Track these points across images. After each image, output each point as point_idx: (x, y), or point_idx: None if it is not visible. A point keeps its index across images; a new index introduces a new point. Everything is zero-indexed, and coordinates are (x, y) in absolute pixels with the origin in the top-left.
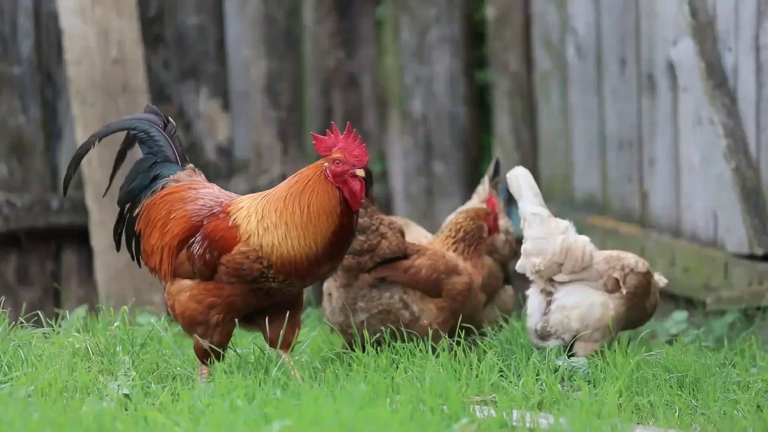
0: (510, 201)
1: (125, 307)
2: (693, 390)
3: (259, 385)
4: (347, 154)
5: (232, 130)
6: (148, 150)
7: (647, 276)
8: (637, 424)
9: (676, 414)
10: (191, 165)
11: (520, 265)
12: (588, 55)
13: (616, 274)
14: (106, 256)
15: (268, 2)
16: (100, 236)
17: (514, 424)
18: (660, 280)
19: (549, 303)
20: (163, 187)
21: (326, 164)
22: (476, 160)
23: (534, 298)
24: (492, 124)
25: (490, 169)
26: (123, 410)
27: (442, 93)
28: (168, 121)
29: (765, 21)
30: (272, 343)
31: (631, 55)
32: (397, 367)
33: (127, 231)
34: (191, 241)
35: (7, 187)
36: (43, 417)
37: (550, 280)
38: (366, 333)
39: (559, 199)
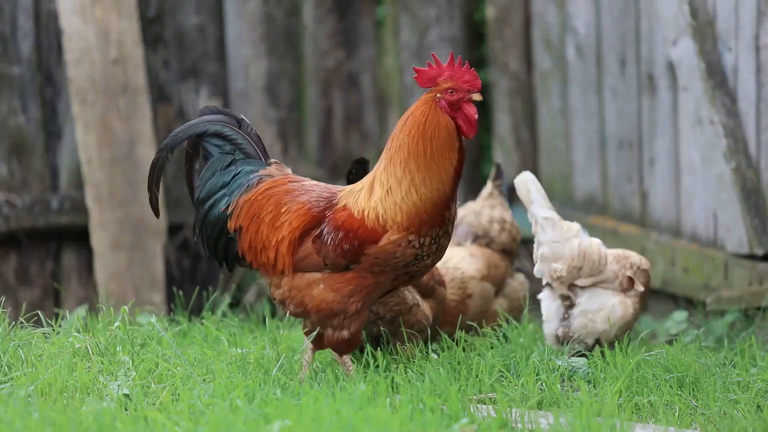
0: (511, 202)
1: (125, 307)
2: (693, 390)
3: (259, 385)
4: (459, 81)
5: None
6: (221, 150)
7: (649, 273)
8: (637, 423)
9: (676, 414)
10: (275, 160)
11: (538, 271)
12: (588, 55)
13: (629, 273)
14: (106, 256)
15: (268, 2)
16: (100, 236)
17: (514, 424)
18: None
19: (568, 308)
20: (258, 182)
21: (438, 95)
22: (476, 160)
23: (550, 303)
24: (492, 124)
25: (492, 172)
26: (123, 410)
27: None
28: (242, 119)
29: (765, 21)
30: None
31: (631, 55)
32: (397, 366)
33: (206, 229)
34: (316, 232)
35: (7, 187)
36: (43, 417)
37: (570, 285)
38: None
39: (559, 199)
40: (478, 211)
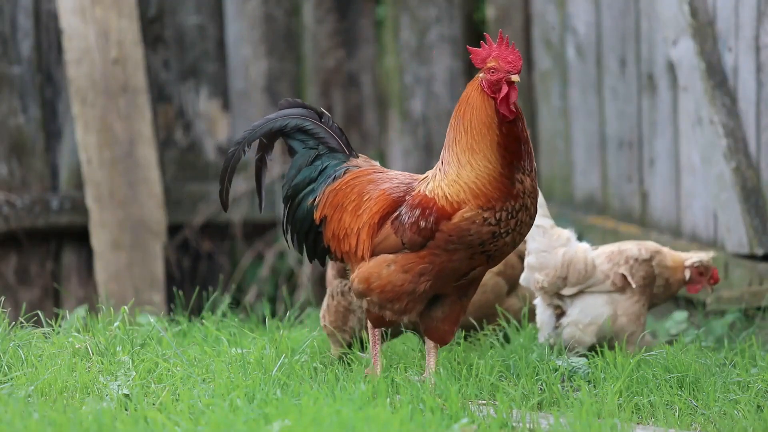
0: None
1: (125, 307)
2: (693, 390)
3: (259, 385)
4: (501, 61)
5: (232, 130)
6: (304, 145)
7: (651, 261)
8: (637, 424)
9: (676, 414)
10: (361, 155)
11: (525, 278)
12: (588, 55)
13: (622, 270)
14: (106, 256)
15: (268, 2)
16: (100, 236)
17: (514, 424)
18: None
19: (558, 316)
20: (345, 173)
21: (482, 75)
22: None
23: (542, 311)
24: None
25: None
26: (123, 410)
27: (442, 93)
28: (322, 112)
29: (765, 21)
30: (430, 333)
31: (631, 55)
32: (397, 367)
33: (295, 225)
34: (396, 214)
35: (7, 187)
36: (43, 417)
37: (557, 295)
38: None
39: (559, 199)
40: None
